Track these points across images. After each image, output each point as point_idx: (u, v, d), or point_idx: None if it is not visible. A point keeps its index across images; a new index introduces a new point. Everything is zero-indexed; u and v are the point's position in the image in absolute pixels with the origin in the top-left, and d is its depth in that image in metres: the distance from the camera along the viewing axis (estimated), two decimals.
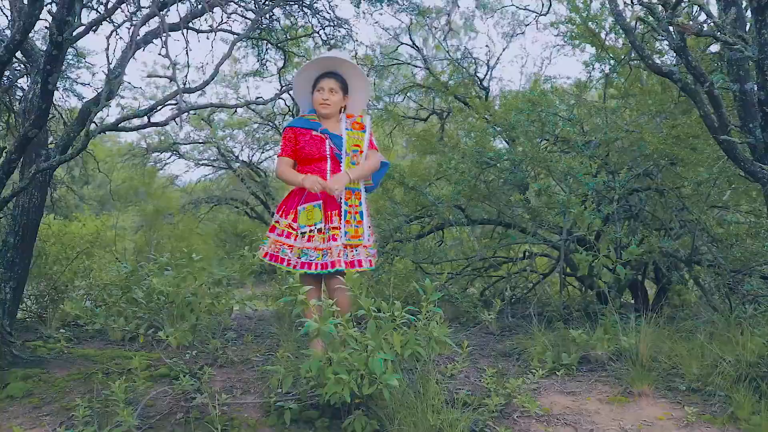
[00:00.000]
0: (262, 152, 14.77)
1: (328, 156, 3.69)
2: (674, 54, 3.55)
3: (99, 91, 4.39)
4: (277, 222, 3.75)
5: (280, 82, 6.23)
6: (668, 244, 4.62)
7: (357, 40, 5.77)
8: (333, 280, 3.59)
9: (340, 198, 3.64)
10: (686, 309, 5.47)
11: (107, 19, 3.44)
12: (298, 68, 3.84)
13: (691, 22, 2.55)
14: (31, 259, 4.23)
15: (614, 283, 5.13)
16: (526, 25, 6.49)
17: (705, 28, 2.49)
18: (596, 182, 4.54)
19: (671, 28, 2.77)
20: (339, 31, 5.66)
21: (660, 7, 2.74)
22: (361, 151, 3.73)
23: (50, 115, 4.36)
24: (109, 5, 3.45)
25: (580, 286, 6.43)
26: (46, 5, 3.11)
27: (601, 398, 3.40)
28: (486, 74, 7.37)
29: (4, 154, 3.38)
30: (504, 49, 6.67)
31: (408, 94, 7.97)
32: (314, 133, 3.71)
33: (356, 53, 6.17)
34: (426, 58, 7.22)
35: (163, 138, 12.31)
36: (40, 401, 3.40)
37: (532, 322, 4.79)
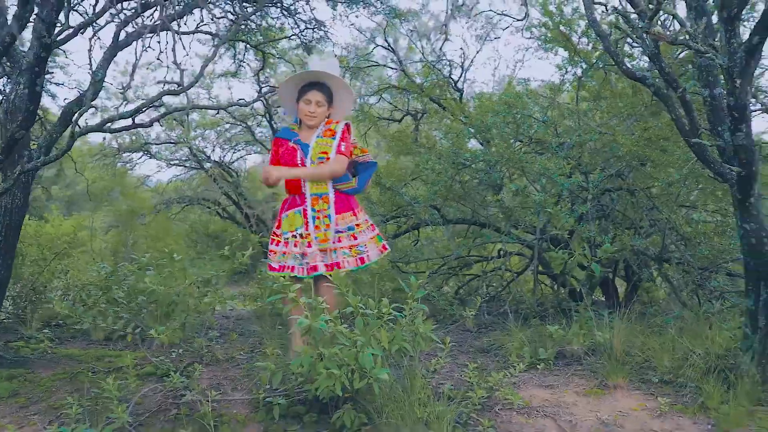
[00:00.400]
0: (234, 152, 14.76)
1: (298, 164, 3.77)
2: (647, 59, 3.70)
3: (81, 92, 4.41)
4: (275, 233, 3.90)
5: (258, 84, 6.27)
6: (639, 242, 4.78)
7: (335, 43, 5.84)
8: (319, 281, 3.69)
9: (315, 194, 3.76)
10: (655, 305, 5.64)
11: (94, 22, 3.46)
12: (287, 77, 3.88)
13: (663, 30, 2.67)
14: (14, 260, 4.22)
15: (587, 280, 5.29)
16: (503, 29, 6.61)
17: (679, 37, 2.62)
18: (571, 183, 4.68)
19: (646, 36, 2.90)
20: (316, 33, 5.71)
21: (635, 16, 2.87)
22: (328, 158, 3.76)
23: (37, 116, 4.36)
24: (97, 8, 3.47)
25: (553, 284, 6.59)
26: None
27: (578, 391, 3.53)
28: (460, 76, 7.54)
29: None
30: (478, 52, 6.79)
31: (382, 95, 8.06)
32: (290, 143, 3.82)
33: (335, 55, 6.25)
34: (401, 60, 7.32)
35: (134, 138, 12.22)
36: (27, 401, 3.41)
37: (508, 319, 4.93)
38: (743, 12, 2.72)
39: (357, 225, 3.85)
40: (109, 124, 3.90)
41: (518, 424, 3.09)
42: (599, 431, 3.01)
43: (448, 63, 7.36)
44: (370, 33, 7.29)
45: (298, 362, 2.83)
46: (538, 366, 3.92)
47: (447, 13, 7.29)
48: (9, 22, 3.17)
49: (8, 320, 5.24)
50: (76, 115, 3.92)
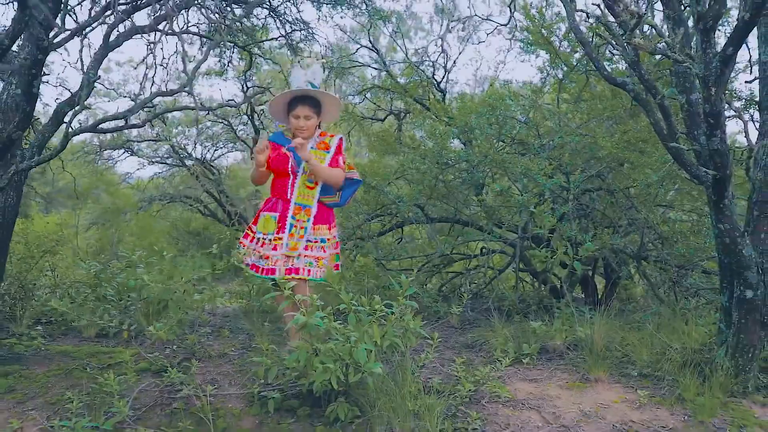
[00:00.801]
0: (216, 150, 14.76)
1: (289, 171, 3.95)
2: (626, 64, 3.84)
3: (72, 92, 4.45)
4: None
5: (245, 84, 6.35)
6: (618, 241, 4.93)
7: (322, 45, 5.93)
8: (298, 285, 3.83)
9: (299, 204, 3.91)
10: (633, 302, 5.82)
11: (91, 25, 3.53)
12: (274, 97, 4.02)
13: (643, 39, 2.80)
14: (7, 258, 4.27)
15: (567, 278, 5.44)
16: (488, 33, 6.72)
17: (658, 46, 2.75)
18: (552, 183, 4.82)
19: (626, 45, 3.03)
20: (302, 34, 5.80)
21: (617, 26, 3.00)
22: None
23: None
24: (93, 12, 3.54)
25: (533, 281, 6.74)
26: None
27: (561, 384, 3.67)
28: (443, 77, 7.65)
29: None
30: (460, 53, 6.84)
31: (366, 95, 8.15)
32: (283, 149, 3.97)
33: (322, 58, 6.35)
34: (385, 61, 7.42)
35: (116, 135, 12.18)
36: (24, 396, 3.46)
37: (492, 315, 5.05)
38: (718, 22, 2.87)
39: (328, 239, 3.99)
40: (102, 125, 3.95)
41: (504, 416, 3.22)
42: (582, 422, 3.15)
43: (431, 64, 7.49)
44: (354, 33, 7.39)
45: (294, 357, 2.93)
46: (522, 361, 4.06)
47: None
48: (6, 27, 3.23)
49: None
50: (70, 115, 3.99)
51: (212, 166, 14.37)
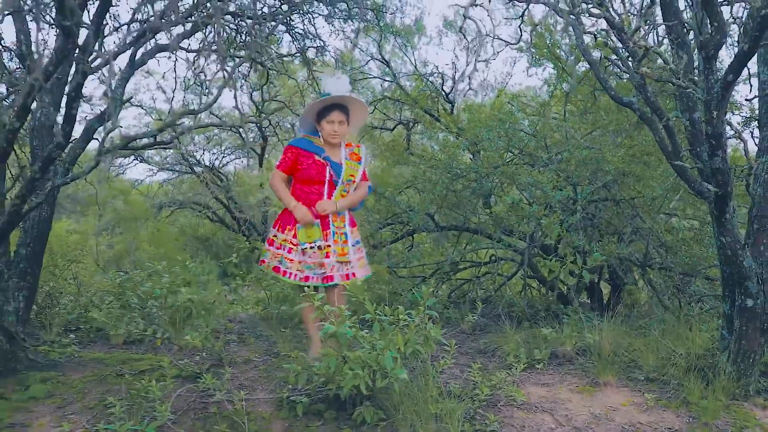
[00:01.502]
0: (224, 156, 14.97)
1: (326, 181, 4.08)
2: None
3: (102, 109, 4.66)
4: (275, 236, 4.14)
5: (262, 96, 6.55)
6: (624, 249, 5.13)
7: (337, 60, 6.13)
8: (332, 289, 4.02)
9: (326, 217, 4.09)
10: (638, 308, 6.01)
11: (128, 50, 3.73)
12: (313, 101, 4.17)
13: (648, 68, 3.00)
14: (41, 268, 4.47)
15: (574, 285, 5.64)
16: (498, 52, 6.93)
17: (663, 74, 2.95)
18: (561, 195, 5.02)
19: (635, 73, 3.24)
20: (323, 54, 6.01)
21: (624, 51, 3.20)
22: (354, 181, 4.15)
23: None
24: (128, 39, 3.74)
25: (539, 287, 6.93)
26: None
27: (572, 388, 3.86)
28: (452, 89, 7.85)
29: (29, 173, 3.65)
30: (467, 65, 7.07)
31: (375, 105, 8.36)
32: (317, 158, 4.08)
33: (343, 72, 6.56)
34: (395, 73, 7.63)
35: (113, 137, 12.34)
36: (63, 401, 3.64)
37: (501, 321, 5.25)
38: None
39: (360, 239, 4.22)
40: (133, 142, 4.15)
41: (520, 418, 3.41)
42: (592, 424, 3.35)
43: (440, 75, 7.70)
44: (366, 46, 7.60)
45: (325, 364, 3.13)
46: (536, 366, 4.25)
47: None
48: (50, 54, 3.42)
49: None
50: (103, 134, 4.20)
51: (220, 172, 14.56)
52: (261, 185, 12.22)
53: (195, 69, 3.95)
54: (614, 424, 3.36)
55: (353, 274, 4.04)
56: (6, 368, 3.89)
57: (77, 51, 3.52)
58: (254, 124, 12.42)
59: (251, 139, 12.35)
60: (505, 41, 6.34)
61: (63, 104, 4.13)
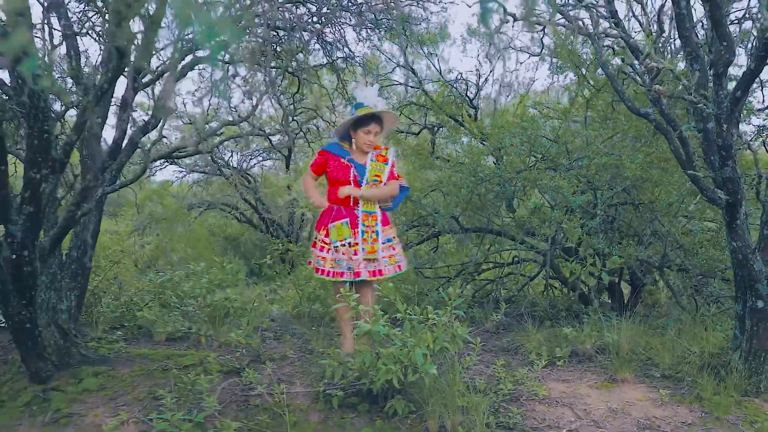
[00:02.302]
0: (252, 158, 15.28)
1: (351, 181, 4.34)
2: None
3: (146, 120, 4.95)
4: (316, 238, 4.41)
5: (293, 105, 6.81)
6: (643, 252, 5.32)
7: (364, 67, 6.38)
8: (360, 285, 4.28)
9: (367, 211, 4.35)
10: (658, 307, 6.19)
11: (177, 67, 4.01)
12: (353, 115, 4.39)
13: (662, 86, 3.20)
14: (90, 270, 4.77)
15: (595, 285, 5.84)
16: (521, 63, 7.12)
17: (677, 89, 3.15)
18: (581, 200, 5.22)
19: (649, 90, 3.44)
20: (351, 63, 6.26)
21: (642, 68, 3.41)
22: (381, 181, 4.40)
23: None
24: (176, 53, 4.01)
25: (561, 287, 7.13)
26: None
27: (591, 384, 4.08)
28: (475, 95, 8.06)
29: (84, 183, 3.94)
30: (491, 72, 7.27)
31: (402, 112, 8.59)
32: (342, 160, 4.38)
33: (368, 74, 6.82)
34: (420, 80, 7.86)
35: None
36: (114, 393, 3.93)
37: (524, 320, 5.47)
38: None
39: (393, 237, 4.45)
40: (176, 152, 4.44)
41: (541, 412, 3.64)
42: (609, 418, 3.56)
43: (465, 82, 7.92)
44: (392, 53, 7.83)
45: (360, 360, 3.38)
46: (557, 363, 4.47)
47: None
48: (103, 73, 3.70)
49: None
50: (149, 144, 4.49)
51: (248, 174, 14.87)
52: (288, 186, 12.49)
53: (232, 78, 4.20)
54: (630, 418, 3.57)
55: (380, 272, 4.29)
56: (61, 363, 4.19)
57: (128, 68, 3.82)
58: (282, 127, 12.70)
59: (280, 141, 12.63)
60: (527, 52, 6.55)
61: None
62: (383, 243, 4.38)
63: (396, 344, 3.37)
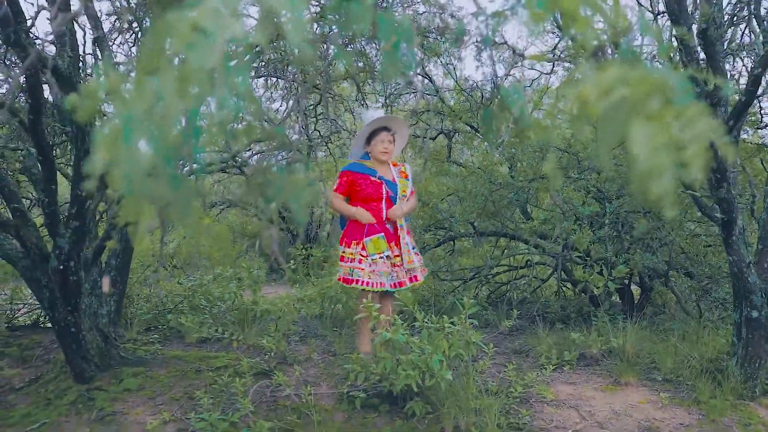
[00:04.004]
0: (272, 158, 15.55)
1: (383, 198, 4.63)
2: None
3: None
4: (344, 252, 4.68)
5: (315, 117, 7.10)
6: (649, 259, 5.56)
7: (381, 76, 6.63)
8: (384, 296, 4.59)
9: (400, 225, 4.65)
10: (666, 310, 6.43)
11: None
12: (366, 124, 4.70)
13: None
14: (128, 276, 5.09)
15: (603, 292, 6.09)
16: (536, 78, 7.36)
17: None
18: (590, 211, 5.48)
19: None
20: (372, 75, 6.53)
21: None
22: (406, 196, 4.72)
23: None
24: None
25: (573, 289, 7.38)
26: None
27: (596, 387, 4.35)
28: (491, 102, 8.25)
29: None
30: (505, 78, 7.37)
31: (420, 118, 8.82)
32: (372, 178, 4.64)
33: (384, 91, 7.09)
34: (437, 88, 8.11)
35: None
36: (153, 393, 4.23)
37: (536, 323, 5.75)
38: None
39: (415, 245, 4.76)
40: (213, 165, 4.74)
41: (549, 413, 3.92)
42: (613, 419, 3.84)
43: (480, 90, 8.14)
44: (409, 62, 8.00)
45: (381, 365, 3.68)
46: (564, 367, 4.75)
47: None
48: None
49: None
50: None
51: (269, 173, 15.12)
52: (308, 184, 12.76)
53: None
54: (632, 419, 3.84)
55: (415, 278, 4.63)
56: (102, 364, 4.51)
57: None
58: (302, 129, 12.96)
59: (297, 139, 12.89)
60: (541, 72, 6.78)
61: None
62: (413, 250, 4.68)
63: (414, 351, 3.66)
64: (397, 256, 4.60)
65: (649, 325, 5.44)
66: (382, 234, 4.59)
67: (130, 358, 4.82)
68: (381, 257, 4.56)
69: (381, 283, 4.53)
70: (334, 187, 4.80)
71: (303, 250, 6.30)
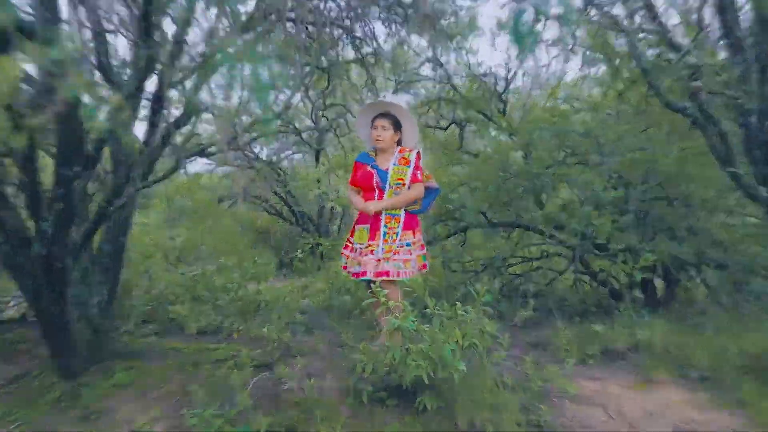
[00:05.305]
0: (281, 152, 15.31)
1: (374, 187, 4.44)
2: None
3: (177, 116, 4.96)
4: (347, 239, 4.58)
5: (324, 102, 6.81)
6: (677, 249, 5.21)
7: (392, 62, 6.35)
8: (386, 284, 4.28)
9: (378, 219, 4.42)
10: (693, 305, 6.06)
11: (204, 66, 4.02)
12: (359, 111, 4.55)
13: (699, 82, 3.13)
14: (122, 264, 4.79)
15: (626, 283, 5.74)
16: (552, 59, 7.05)
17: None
18: (613, 196, 5.14)
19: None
20: (379, 58, 6.22)
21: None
22: (404, 184, 4.42)
23: None
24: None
25: (591, 282, 7.03)
26: None
27: (623, 384, 4.01)
28: (504, 89, 7.96)
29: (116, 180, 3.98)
30: (520, 67, 7.12)
31: (431, 108, 8.52)
32: (367, 167, 4.48)
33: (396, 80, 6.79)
34: (450, 75, 7.80)
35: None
36: (145, 388, 3.94)
37: (553, 316, 5.41)
38: None
39: (413, 243, 4.45)
40: (208, 149, 4.45)
41: (571, 411, 3.60)
42: (645, 419, 3.50)
43: (494, 77, 7.84)
44: (421, 48, 7.77)
45: (390, 355, 3.37)
46: (588, 361, 4.41)
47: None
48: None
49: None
50: (181, 141, 4.51)
51: (280, 167, 14.90)
52: (318, 180, 12.54)
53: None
54: (667, 421, 3.49)
55: (386, 273, 4.26)
56: (92, 357, 4.23)
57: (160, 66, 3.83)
58: (312, 122, 12.71)
59: (310, 135, 12.67)
60: (558, 49, 6.41)
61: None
62: (399, 246, 4.36)
63: (425, 340, 3.35)
64: (375, 245, 4.37)
65: (677, 319, 5.07)
66: (368, 225, 4.45)
67: (123, 351, 4.54)
68: (361, 246, 4.44)
69: (355, 273, 4.44)
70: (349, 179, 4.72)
71: (311, 239, 6.02)
